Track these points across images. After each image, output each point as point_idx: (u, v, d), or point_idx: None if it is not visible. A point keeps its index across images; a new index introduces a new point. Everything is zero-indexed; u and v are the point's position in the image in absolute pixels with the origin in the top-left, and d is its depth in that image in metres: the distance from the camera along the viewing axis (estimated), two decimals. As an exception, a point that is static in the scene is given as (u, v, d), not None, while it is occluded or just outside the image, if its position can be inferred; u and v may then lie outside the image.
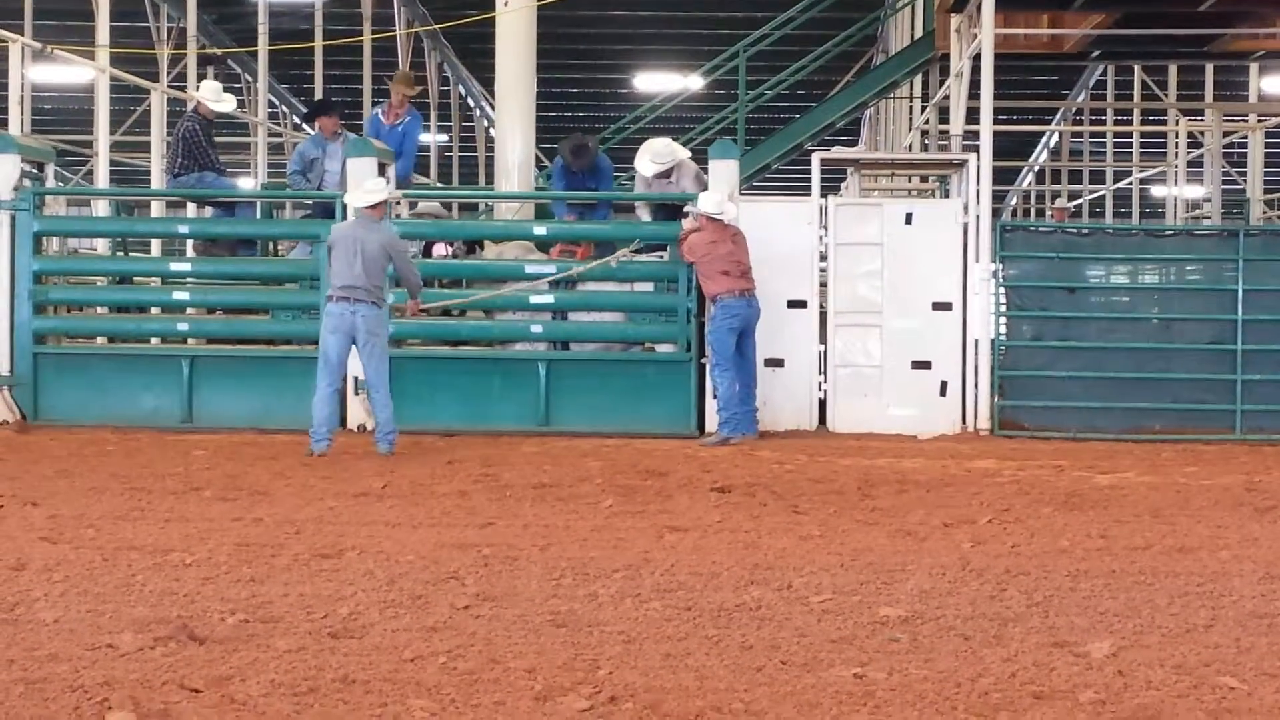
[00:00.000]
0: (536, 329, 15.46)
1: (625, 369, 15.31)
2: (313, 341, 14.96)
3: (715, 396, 14.67)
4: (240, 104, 33.17)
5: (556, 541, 8.84)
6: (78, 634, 6.43)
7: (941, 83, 21.79)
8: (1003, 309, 15.73)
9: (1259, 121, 27.66)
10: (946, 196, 18.02)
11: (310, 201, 16.69)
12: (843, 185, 23.36)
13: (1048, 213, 35.97)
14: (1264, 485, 11.79)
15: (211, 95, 16.98)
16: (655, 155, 15.66)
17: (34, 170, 15.72)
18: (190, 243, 17.58)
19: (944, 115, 21.02)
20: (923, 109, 25.64)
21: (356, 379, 14.29)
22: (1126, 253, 16.07)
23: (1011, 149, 34.73)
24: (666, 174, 15.75)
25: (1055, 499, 10.78)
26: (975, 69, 16.58)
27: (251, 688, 5.65)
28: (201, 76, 26.45)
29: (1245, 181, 28.26)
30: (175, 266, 16.88)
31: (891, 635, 6.58)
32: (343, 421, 14.56)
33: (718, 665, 6.06)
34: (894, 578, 7.87)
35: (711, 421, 14.73)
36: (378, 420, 13.18)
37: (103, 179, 19.75)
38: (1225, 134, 27.03)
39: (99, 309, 16.46)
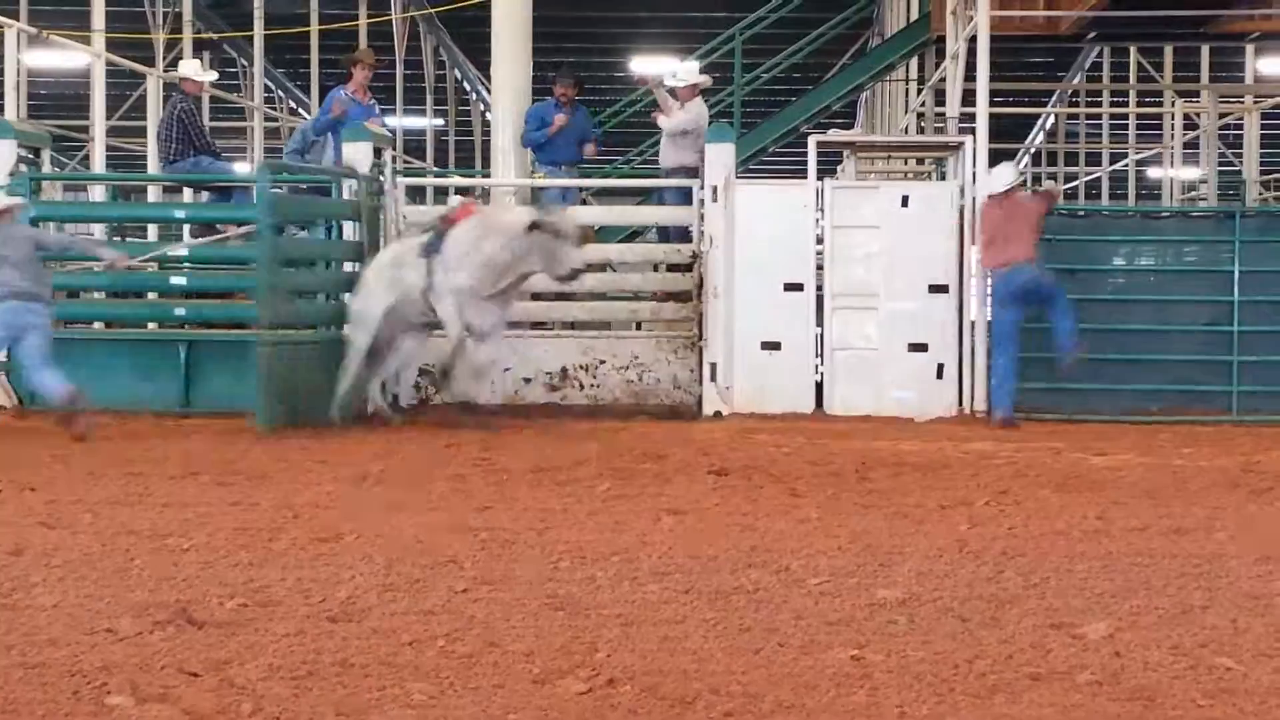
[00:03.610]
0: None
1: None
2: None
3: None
4: (236, 89, 33.27)
5: (554, 525, 8.84)
6: (76, 619, 6.44)
7: (938, 65, 21.79)
8: (999, 291, 15.74)
9: (1255, 103, 27.67)
10: (943, 179, 18.03)
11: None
12: (839, 168, 23.37)
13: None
14: (1261, 466, 11.80)
15: (195, 72, 17.02)
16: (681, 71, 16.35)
17: (30, 155, 15.70)
18: (186, 227, 17.58)
19: (940, 98, 21.01)
20: (919, 91, 25.62)
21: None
22: (1123, 234, 16.08)
23: (1008, 131, 34.66)
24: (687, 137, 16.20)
25: (1052, 481, 10.79)
26: (971, 51, 16.59)
27: (250, 672, 5.65)
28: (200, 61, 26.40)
29: (1241, 163, 28.28)
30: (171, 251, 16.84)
31: (889, 618, 6.58)
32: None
33: (715, 648, 6.07)
34: (891, 560, 7.87)
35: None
36: (49, 396, 13.39)
37: (99, 164, 19.74)
38: (1221, 115, 27.05)
39: (95, 294, 16.45)
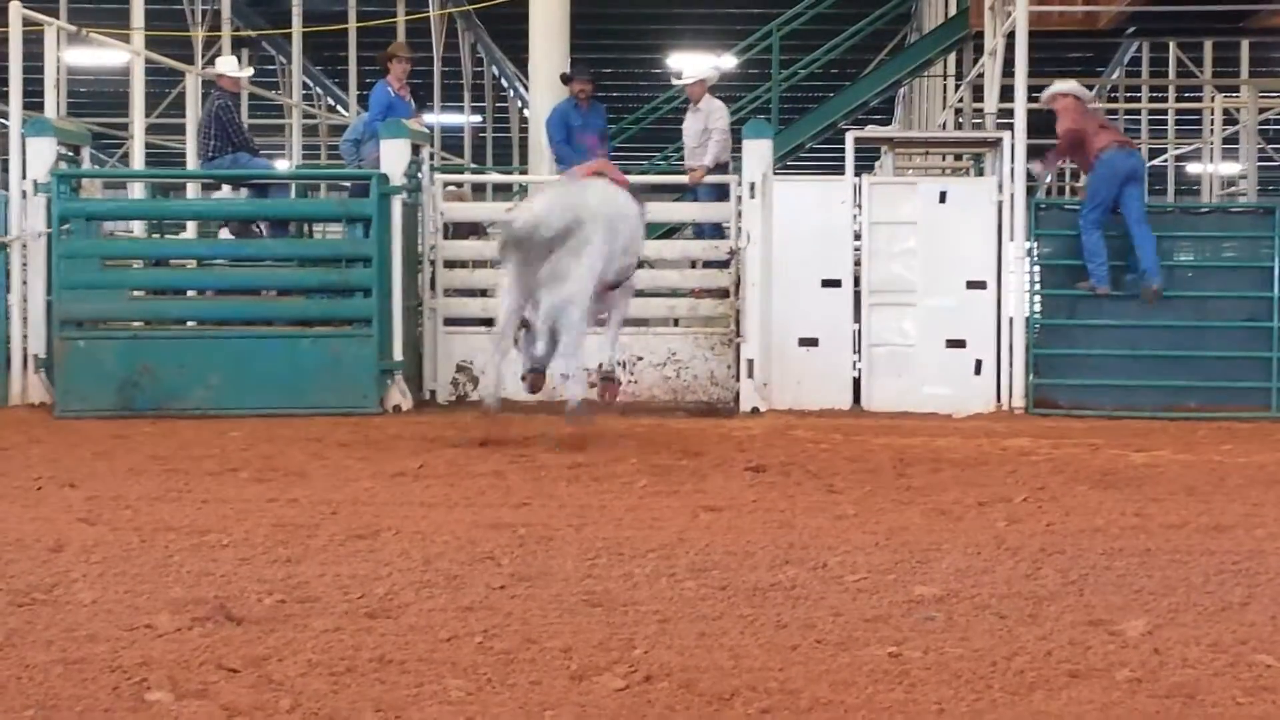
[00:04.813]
0: None
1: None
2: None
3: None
4: (274, 87, 33.39)
5: (592, 521, 8.85)
6: (116, 614, 6.47)
7: (975, 60, 21.73)
8: (1037, 287, 15.71)
9: (1295, 98, 27.55)
10: (981, 175, 18.00)
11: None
12: (877, 164, 23.32)
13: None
14: (1300, 463, 11.76)
15: (232, 69, 17.10)
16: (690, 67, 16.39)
17: (70, 153, 15.76)
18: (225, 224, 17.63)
19: (978, 93, 20.97)
20: (957, 87, 25.56)
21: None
22: (1162, 230, 16.01)
23: (1046, 127, 34.65)
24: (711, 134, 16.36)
25: (1090, 477, 10.76)
26: (1009, 46, 16.54)
27: (289, 668, 5.67)
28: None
29: (1281, 158, 28.14)
30: (209, 249, 16.91)
31: (926, 614, 6.58)
32: (380, 401, 14.70)
33: (753, 644, 6.07)
34: (929, 556, 7.86)
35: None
36: None
37: (138, 161, 19.82)
38: (1261, 110, 26.94)
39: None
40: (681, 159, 17.09)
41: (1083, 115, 15.57)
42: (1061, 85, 15.61)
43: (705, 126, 16.55)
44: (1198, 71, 31.16)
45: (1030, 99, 15.90)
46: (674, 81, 17.43)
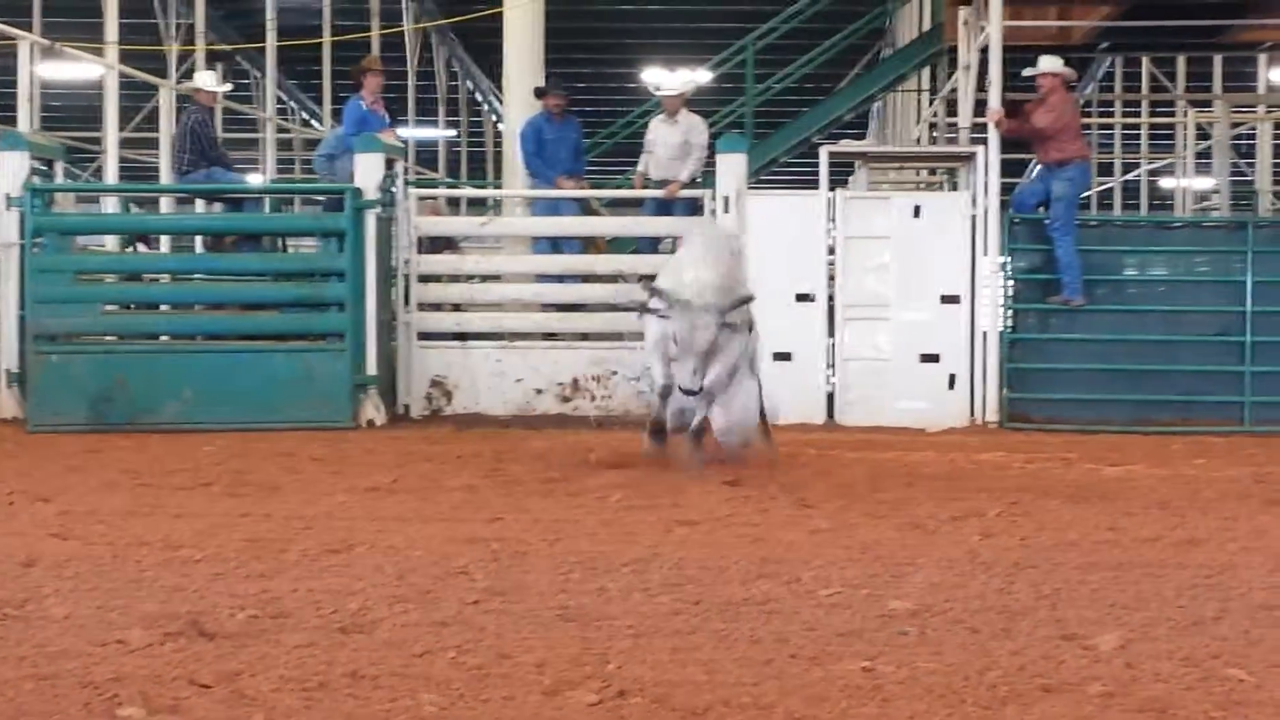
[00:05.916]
0: None
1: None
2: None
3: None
4: (248, 101, 33.36)
5: (565, 536, 8.84)
6: (88, 630, 6.45)
7: (949, 75, 21.77)
8: (1011, 301, 15.73)
9: (1267, 112, 27.63)
10: (955, 189, 18.05)
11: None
12: (851, 179, 23.35)
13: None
14: (1272, 477, 11.77)
15: (210, 83, 17.11)
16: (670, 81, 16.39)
17: (43, 167, 15.73)
18: (199, 238, 17.60)
19: (952, 108, 20.98)
20: (931, 102, 25.61)
21: None
22: (1135, 245, 16.07)
23: (1019, 141, 34.71)
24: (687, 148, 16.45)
25: (1064, 491, 10.78)
26: (983, 61, 16.58)
27: (261, 683, 5.66)
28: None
29: (1254, 173, 28.22)
30: (182, 263, 16.89)
31: (900, 629, 6.58)
32: (354, 415, 14.67)
33: (726, 659, 6.07)
34: (902, 571, 7.86)
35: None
36: None
37: (112, 176, 19.77)
38: (1233, 125, 27.03)
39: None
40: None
41: (1068, 110, 15.68)
42: (1051, 64, 15.57)
43: (684, 140, 16.52)
44: (1170, 86, 31.25)
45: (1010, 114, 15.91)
46: (654, 92, 17.45)
